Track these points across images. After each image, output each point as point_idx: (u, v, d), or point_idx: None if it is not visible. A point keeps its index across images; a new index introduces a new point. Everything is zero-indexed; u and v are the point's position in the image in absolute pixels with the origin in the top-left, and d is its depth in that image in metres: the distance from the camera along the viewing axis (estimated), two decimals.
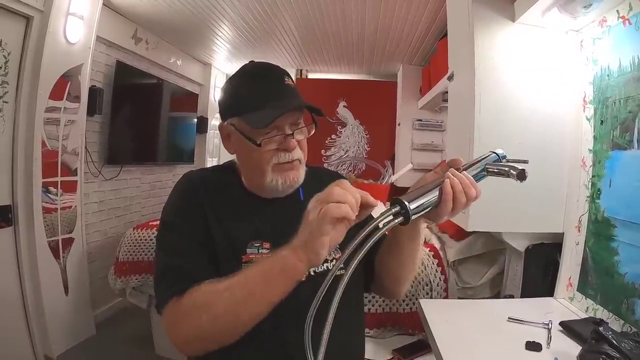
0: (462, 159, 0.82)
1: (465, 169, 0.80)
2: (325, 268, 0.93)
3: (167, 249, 0.89)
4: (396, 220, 0.69)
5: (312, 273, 0.92)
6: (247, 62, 1.00)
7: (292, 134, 0.92)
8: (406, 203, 0.69)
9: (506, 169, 0.78)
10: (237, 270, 0.84)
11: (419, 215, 0.72)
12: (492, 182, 0.88)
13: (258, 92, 0.91)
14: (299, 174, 0.96)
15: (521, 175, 0.75)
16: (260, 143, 0.88)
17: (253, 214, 0.95)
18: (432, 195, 0.74)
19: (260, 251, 0.89)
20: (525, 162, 0.82)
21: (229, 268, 0.85)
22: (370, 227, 0.65)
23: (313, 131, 0.97)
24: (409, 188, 0.78)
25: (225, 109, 0.98)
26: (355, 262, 0.62)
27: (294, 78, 0.99)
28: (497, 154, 0.85)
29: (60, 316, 2.70)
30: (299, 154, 0.94)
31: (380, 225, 0.67)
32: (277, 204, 0.98)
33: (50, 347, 2.60)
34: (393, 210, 0.69)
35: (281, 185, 0.93)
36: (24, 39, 2.42)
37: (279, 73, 0.96)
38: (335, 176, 1.17)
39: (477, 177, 0.81)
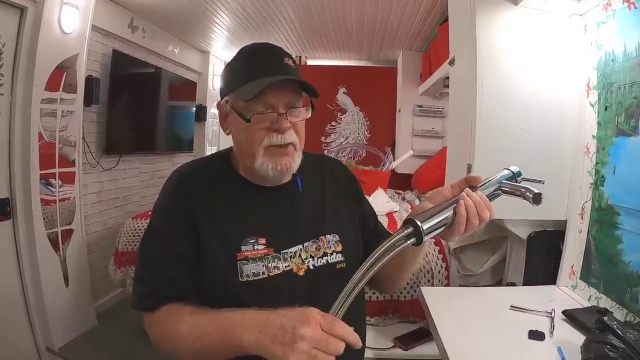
0: (481, 177, 0.81)
1: (481, 187, 0.80)
2: (325, 262, 0.92)
3: (146, 256, 0.90)
4: (409, 242, 0.69)
5: (312, 267, 0.90)
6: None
7: (286, 114, 0.86)
8: (419, 224, 0.69)
9: (522, 190, 0.78)
10: (233, 268, 0.84)
11: (431, 235, 0.72)
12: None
13: (252, 66, 0.88)
14: (292, 161, 0.89)
15: (537, 199, 0.75)
16: (250, 118, 0.84)
17: (248, 206, 0.92)
18: (445, 216, 0.73)
19: (255, 247, 0.86)
20: (541, 182, 0.83)
21: (223, 267, 0.84)
22: (383, 248, 0.65)
23: (309, 114, 0.91)
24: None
25: (222, 87, 0.95)
26: (363, 282, 0.64)
27: None
28: (512, 171, 0.85)
29: (61, 308, 2.70)
30: (292, 137, 0.88)
31: (392, 243, 0.67)
32: (273, 194, 0.94)
33: (52, 339, 2.60)
34: (406, 232, 0.69)
35: (271, 170, 0.87)
36: (19, 30, 2.37)
37: (278, 53, 0.91)
38: (335, 165, 1.14)
39: (492, 196, 0.82)
